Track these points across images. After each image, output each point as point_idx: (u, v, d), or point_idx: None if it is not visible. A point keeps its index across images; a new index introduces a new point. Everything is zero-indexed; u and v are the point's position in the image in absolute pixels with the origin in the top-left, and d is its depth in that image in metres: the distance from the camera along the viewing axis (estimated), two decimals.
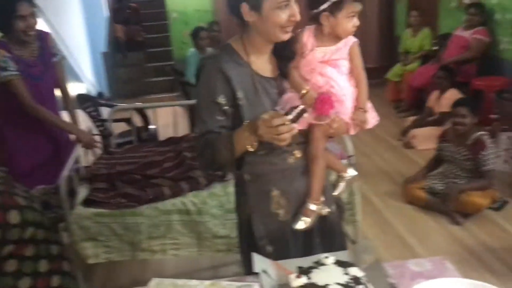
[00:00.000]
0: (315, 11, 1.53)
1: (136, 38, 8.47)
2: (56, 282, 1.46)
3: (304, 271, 1.40)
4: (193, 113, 5.18)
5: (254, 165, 1.61)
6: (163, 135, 4.05)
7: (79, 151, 2.76)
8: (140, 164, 2.87)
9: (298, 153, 1.61)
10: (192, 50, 5.51)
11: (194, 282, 1.32)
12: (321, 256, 1.45)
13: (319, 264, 1.43)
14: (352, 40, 1.57)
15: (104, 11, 8.71)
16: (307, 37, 1.58)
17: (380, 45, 7.25)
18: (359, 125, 1.60)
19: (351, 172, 1.78)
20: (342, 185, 1.77)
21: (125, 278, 2.97)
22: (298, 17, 1.45)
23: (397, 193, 3.78)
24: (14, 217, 1.30)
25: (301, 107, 1.42)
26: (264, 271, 1.48)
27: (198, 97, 1.56)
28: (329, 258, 1.44)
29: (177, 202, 2.45)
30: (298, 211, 1.63)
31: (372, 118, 1.64)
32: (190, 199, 2.46)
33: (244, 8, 1.44)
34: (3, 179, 1.43)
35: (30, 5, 2.52)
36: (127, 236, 2.42)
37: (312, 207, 1.63)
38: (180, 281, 1.33)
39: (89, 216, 2.38)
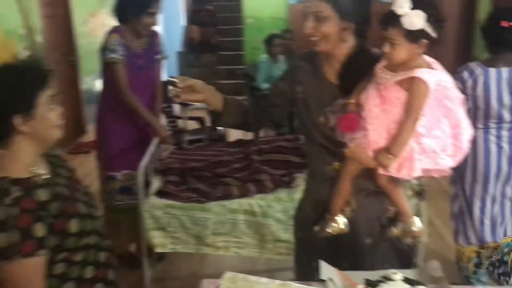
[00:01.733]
0: (416, 34, 1.37)
1: (210, 40, 8.72)
2: None
3: (371, 283, 1.43)
4: None
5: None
6: (230, 136, 4.16)
7: (156, 143, 2.91)
8: (210, 162, 2.99)
9: (337, 166, 1.63)
10: (264, 56, 5.62)
11: (264, 280, 1.38)
12: (389, 272, 1.46)
13: (387, 279, 1.44)
14: (417, 74, 1.38)
15: (181, 12, 9.03)
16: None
17: (456, 66, 7.03)
18: (382, 167, 1.47)
19: (414, 225, 1.60)
20: (395, 230, 1.64)
21: (184, 270, 3.09)
22: None
23: None
24: (74, 226, 1.30)
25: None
26: (331, 279, 1.51)
27: None
28: (397, 275, 1.45)
29: (244, 202, 2.53)
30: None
31: (407, 168, 1.45)
32: (256, 201, 2.53)
33: None
34: (69, 181, 1.43)
35: (160, 5, 2.75)
36: (194, 229, 2.52)
37: (328, 220, 1.65)
38: (252, 278, 1.39)
39: (161, 206, 2.51)
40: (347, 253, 1.67)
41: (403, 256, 1.70)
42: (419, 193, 2.56)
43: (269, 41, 5.53)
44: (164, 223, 2.52)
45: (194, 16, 8.71)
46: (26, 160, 1.30)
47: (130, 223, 2.95)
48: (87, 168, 4.81)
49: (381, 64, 1.46)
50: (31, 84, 1.28)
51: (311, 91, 1.63)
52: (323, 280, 1.50)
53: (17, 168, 1.27)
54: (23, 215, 1.18)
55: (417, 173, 1.44)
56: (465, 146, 1.48)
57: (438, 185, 4.34)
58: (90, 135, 5.83)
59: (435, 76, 1.40)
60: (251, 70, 6.74)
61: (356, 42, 1.56)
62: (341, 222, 1.63)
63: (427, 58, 1.46)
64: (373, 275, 1.51)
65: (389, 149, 1.42)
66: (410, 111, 1.38)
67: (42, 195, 1.24)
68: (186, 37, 8.53)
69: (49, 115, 1.31)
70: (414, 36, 1.35)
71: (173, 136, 3.71)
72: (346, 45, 1.55)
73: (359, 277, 1.51)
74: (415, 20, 1.32)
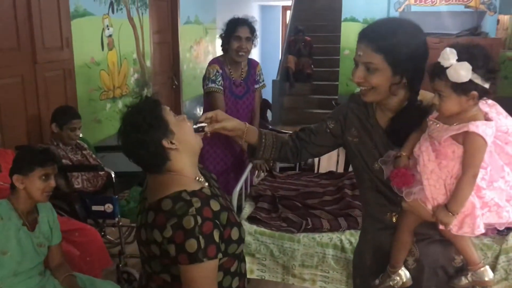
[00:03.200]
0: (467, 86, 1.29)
1: (305, 70, 8.83)
2: None
3: None
4: None
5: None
6: (321, 166, 4.14)
7: (250, 169, 2.98)
8: (301, 192, 2.99)
9: (394, 217, 1.55)
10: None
11: None
12: None
13: None
14: (472, 129, 1.27)
15: (280, 41, 9.24)
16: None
17: None
18: (441, 224, 1.37)
19: (485, 275, 1.49)
20: (463, 280, 1.51)
21: None
22: None
23: None
24: (235, 234, 1.40)
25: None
26: None
27: None
28: None
29: (334, 237, 2.50)
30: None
31: (469, 225, 1.35)
32: (347, 237, 2.49)
33: None
34: (219, 191, 1.54)
35: (248, 31, 2.91)
36: (282, 259, 2.53)
37: (390, 273, 1.57)
38: None
39: (251, 232, 2.55)
40: None
41: None
42: None
43: None
44: (253, 249, 2.55)
45: (292, 46, 8.88)
46: (189, 172, 1.43)
47: None
48: None
49: (433, 115, 1.39)
50: (155, 109, 1.42)
51: (364, 135, 1.57)
52: None
53: (187, 182, 1.39)
54: (206, 223, 1.29)
55: (481, 230, 1.34)
56: None
57: None
58: None
59: (492, 128, 1.30)
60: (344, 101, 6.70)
61: (408, 95, 1.47)
62: (403, 275, 1.55)
63: (484, 106, 1.37)
64: None
65: (448, 206, 1.33)
66: (467, 167, 1.30)
67: (214, 205, 1.36)
68: (283, 66, 8.71)
69: (183, 125, 1.45)
70: (462, 88, 1.28)
71: (266, 163, 3.77)
72: (398, 98, 1.48)
73: None
74: (461, 72, 1.25)
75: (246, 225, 2.59)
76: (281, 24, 12.74)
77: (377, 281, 1.60)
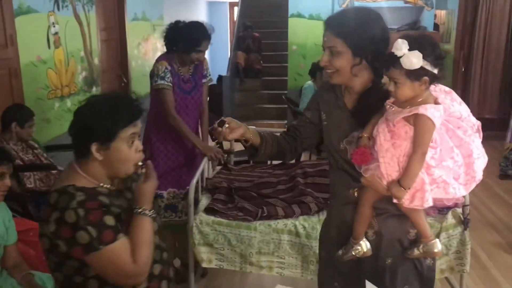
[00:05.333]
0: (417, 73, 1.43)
1: (254, 66, 8.93)
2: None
3: None
4: None
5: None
6: None
7: (206, 163, 3.03)
8: (255, 183, 3.08)
9: (356, 193, 1.69)
10: (309, 82, 5.73)
11: None
12: None
13: None
14: (421, 111, 1.42)
15: (229, 38, 9.29)
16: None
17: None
18: (395, 197, 1.51)
19: (434, 247, 1.63)
20: (416, 251, 1.65)
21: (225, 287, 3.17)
22: None
23: (506, 249, 3.61)
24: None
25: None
26: None
27: None
28: None
29: (288, 223, 2.61)
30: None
31: (419, 199, 1.49)
32: (301, 223, 2.60)
33: None
34: (132, 195, 1.54)
35: (209, 43, 2.92)
36: (239, 247, 2.61)
37: (352, 244, 1.69)
38: None
39: (209, 222, 2.62)
40: (368, 272, 1.70)
41: (423, 278, 1.72)
42: (463, 222, 2.57)
43: (313, 71, 5.67)
44: (211, 239, 2.62)
45: (241, 42, 8.96)
46: (97, 178, 1.42)
47: (174, 239, 3.08)
48: None
49: (390, 100, 1.52)
50: (119, 118, 1.39)
51: (332, 119, 1.72)
52: None
53: (83, 181, 1.39)
54: (92, 213, 1.30)
55: (429, 203, 1.48)
56: (479, 175, 1.52)
57: (482, 216, 4.27)
58: None
59: (440, 111, 1.44)
60: (292, 95, 6.87)
61: (371, 78, 1.62)
62: (364, 245, 1.68)
63: (441, 93, 1.52)
64: None
65: (401, 181, 1.47)
66: (417, 146, 1.44)
67: (104, 200, 1.37)
68: (232, 62, 8.77)
69: (125, 151, 1.41)
70: (415, 74, 1.41)
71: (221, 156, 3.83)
72: (361, 80, 1.62)
73: None
74: (413, 60, 1.39)
75: (204, 217, 2.65)
76: (228, 20, 12.78)
77: (340, 252, 1.73)
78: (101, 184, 1.43)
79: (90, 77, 4.93)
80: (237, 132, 1.65)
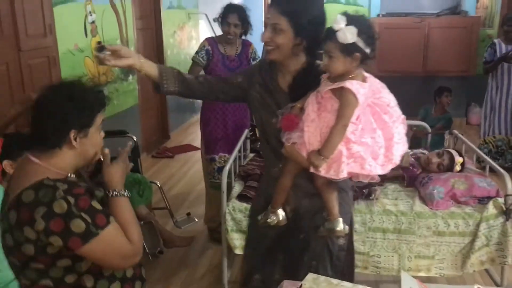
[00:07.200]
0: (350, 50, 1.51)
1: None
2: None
3: None
4: None
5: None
6: None
7: (237, 152, 3.04)
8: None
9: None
10: None
11: (347, 284, 1.42)
12: (474, 286, 1.46)
13: None
14: (347, 85, 1.50)
15: (263, 23, 9.21)
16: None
17: None
18: (313, 166, 1.57)
19: (336, 225, 1.71)
20: (322, 229, 1.74)
21: None
22: None
23: None
24: None
25: None
26: None
27: None
28: None
29: None
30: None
31: (334, 170, 1.55)
32: None
33: None
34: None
35: (237, 18, 3.27)
36: None
37: (270, 212, 1.80)
38: (334, 281, 1.43)
39: (241, 209, 2.62)
40: (287, 246, 1.86)
41: (333, 256, 1.83)
42: (505, 213, 2.48)
43: None
44: (244, 226, 2.61)
45: None
46: (63, 170, 1.36)
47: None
48: (169, 172, 5.08)
49: (325, 75, 1.60)
50: (93, 104, 1.37)
51: (265, 93, 1.77)
52: None
53: (51, 173, 1.32)
54: (81, 199, 1.26)
55: (344, 174, 1.54)
56: (396, 159, 1.59)
57: None
58: (173, 141, 6.16)
59: (365, 88, 1.52)
60: None
61: (307, 59, 1.71)
62: (280, 215, 1.79)
63: (375, 82, 1.60)
64: None
65: (321, 151, 1.54)
66: (340, 118, 1.52)
67: (83, 186, 1.35)
68: None
69: (97, 137, 1.41)
70: (348, 49, 1.49)
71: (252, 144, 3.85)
72: (298, 60, 1.70)
73: None
74: (348, 34, 1.46)
75: (236, 203, 2.65)
76: (263, 5, 12.70)
77: (259, 217, 1.84)
78: (69, 175, 1.38)
79: None
80: (124, 61, 1.61)
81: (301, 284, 1.44)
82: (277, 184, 1.76)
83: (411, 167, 2.90)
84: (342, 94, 1.51)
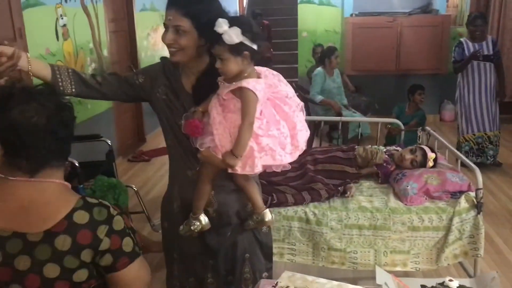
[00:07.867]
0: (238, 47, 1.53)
1: (264, 54, 8.89)
2: None
3: None
4: (316, 129, 5.33)
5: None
6: None
7: None
8: (266, 171, 3.06)
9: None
10: (318, 69, 5.68)
11: (322, 280, 1.43)
12: (446, 279, 1.48)
13: (443, 285, 1.46)
14: (244, 84, 1.54)
15: None
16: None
17: None
18: (229, 167, 1.59)
19: (265, 217, 1.78)
20: (251, 223, 1.79)
21: None
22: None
23: None
24: None
25: None
26: (386, 285, 1.54)
27: None
28: (454, 282, 1.47)
29: (298, 210, 2.59)
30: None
31: (249, 166, 1.58)
32: (311, 209, 2.59)
33: None
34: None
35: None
36: None
37: (192, 220, 1.78)
38: (310, 277, 1.44)
39: None
40: (212, 248, 1.84)
41: (262, 244, 1.89)
42: (476, 206, 2.54)
43: (322, 58, 5.64)
44: None
45: None
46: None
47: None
48: (145, 176, 5.04)
49: (222, 77, 1.62)
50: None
51: (171, 95, 1.75)
52: (379, 285, 1.54)
53: (68, 189, 1.25)
54: (123, 216, 1.23)
55: (259, 168, 1.58)
56: (302, 145, 1.66)
57: (498, 202, 4.22)
58: (149, 144, 6.10)
59: (261, 84, 1.57)
60: (304, 82, 6.83)
61: (209, 60, 1.69)
62: (203, 220, 1.77)
63: (269, 75, 1.64)
64: (429, 281, 1.53)
65: (233, 150, 1.57)
66: (244, 116, 1.55)
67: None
68: None
69: None
70: (237, 49, 1.52)
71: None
72: (201, 61, 1.69)
73: (415, 283, 1.53)
74: (233, 35, 1.50)
75: None
76: (238, 8, 12.71)
77: (181, 227, 1.81)
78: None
79: (99, 69, 4.95)
80: (9, 62, 1.54)
81: (277, 282, 1.45)
82: (196, 191, 1.74)
83: (385, 164, 2.95)
84: (241, 94, 1.55)
